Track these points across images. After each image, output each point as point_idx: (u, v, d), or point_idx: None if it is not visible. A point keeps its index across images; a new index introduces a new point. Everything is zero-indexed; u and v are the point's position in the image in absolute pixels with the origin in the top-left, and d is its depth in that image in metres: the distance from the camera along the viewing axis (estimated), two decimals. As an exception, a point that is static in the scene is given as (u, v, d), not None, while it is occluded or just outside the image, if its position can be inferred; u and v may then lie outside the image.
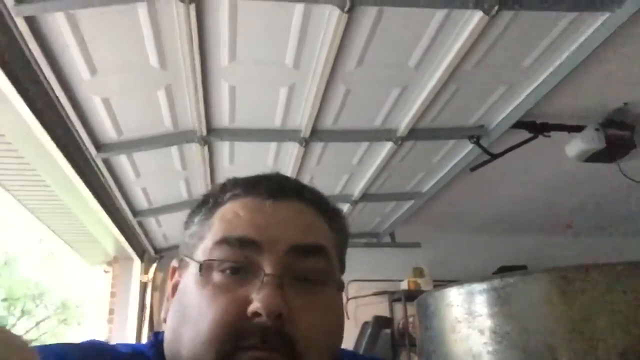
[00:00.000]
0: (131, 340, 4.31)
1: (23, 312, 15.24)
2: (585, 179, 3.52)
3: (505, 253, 4.61)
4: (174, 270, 0.67)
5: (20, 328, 15.28)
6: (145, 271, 4.44)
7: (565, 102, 2.50)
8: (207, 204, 0.66)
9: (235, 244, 0.58)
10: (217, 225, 0.61)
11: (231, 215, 0.61)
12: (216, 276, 0.58)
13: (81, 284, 14.56)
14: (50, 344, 0.55)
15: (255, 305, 0.54)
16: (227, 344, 0.54)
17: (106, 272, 4.98)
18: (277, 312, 0.54)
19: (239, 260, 0.58)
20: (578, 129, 2.71)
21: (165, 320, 0.64)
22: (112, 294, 4.77)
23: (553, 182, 3.62)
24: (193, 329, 0.56)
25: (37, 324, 15.51)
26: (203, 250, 0.60)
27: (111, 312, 4.68)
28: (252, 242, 0.58)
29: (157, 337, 0.65)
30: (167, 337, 0.61)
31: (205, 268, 0.58)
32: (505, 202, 4.08)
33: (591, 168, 3.07)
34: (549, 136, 2.66)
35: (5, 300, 14.83)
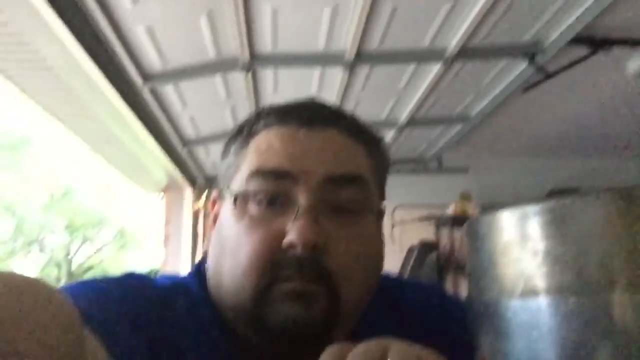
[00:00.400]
0: (186, 264, 4.53)
1: (84, 239, 16.20)
2: (647, 97, 3.33)
3: (555, 177, 4.50)
4: (214, 201, 0.67)
5: (83, 254, 16.30)
6: (197, 199, 4.58)
7: (628, 13, 2.32)
8: (242, 133, 0.64)
9: (270, 175, 0.57)
10: (252, 156, 0.60)
11: (265, 145, 0.59)
12: (252, 208, 0.57)
13: (137, 211, 15.27)
14: (87, 280, 0.56)
15: (290, 237, 0.54)
16: (264, 276, 0.54)
17: (160, 199, 5.17)
18: (311, 244, 0.53)
19: (274, 192, 0.57)
20: (642, 43, 2.53)
21: (207, 251, 0.64)
22: (167, 221, 4.97)
23: (610, 101, 3.45)
24: (232, 261, 0.57)
25: (98, 250, 16.51)
26: (239, 181, 0.60)
27: (166, 238, 4.91)
28: (286, 173, 0.57)
29: (199, 268, 0.65)
30: (210, 267, 0.62)
31: (240, 200, 0.58)
32: (558, 123, 3.93)
33: (654, 86, 2.90)
34: (610, 51, 2.50)
35: (67, 228, 15.75)
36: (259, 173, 0.58)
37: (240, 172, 0.60)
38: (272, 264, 0.55)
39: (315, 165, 0.57)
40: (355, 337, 0.45)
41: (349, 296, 0.56)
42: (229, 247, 0.58)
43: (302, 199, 0.56)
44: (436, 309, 0.71)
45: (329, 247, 0.55)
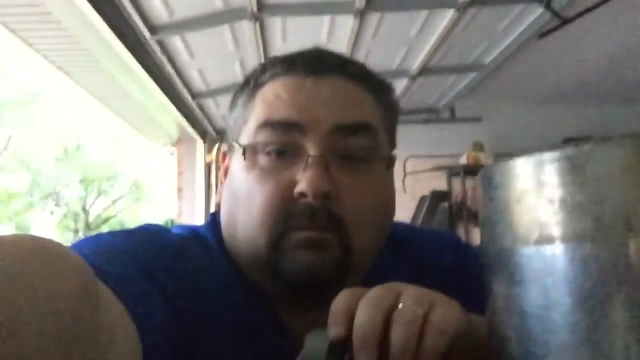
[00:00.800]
0: (200, 215, 4.59)
1: (99, 192, 16.42)
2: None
3: (568, 125, 4.43)
4: (224, 154, 0.67)
5: (99, 206, 16.56)
6: (209, 151, 4.60)
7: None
8: (249, 85, 0.63)
9: (278, 126, 0.57)
10: (259, 108, 0.60)
11: (272, 96, 0.59)
12: (262, 159, 0.58)
13: (150, 164, 15.39)
14: (100, 235, 0.55)
15: (301, 186, 0.54)
16: (278, 225, 0.55)
17: (172, 153, 5.20)
18: (322, 192, 0.54)
19: (283, 143, 0.57)
20: (664, -15, 2.44)
21: (219, 204, 0.65)
22: (180, 174, 5.01)
23: (627, 48, 3.35)
24: (244, 213, 0.57)
25: (114, 202, 16.74)
26: (247, 133, 0.60)
27: (180, 190, 4.96)
28: (294, 124, 0.57)
29: (214, 218, 0.66)
30: (223, 219, 0.62)
31: (249, 152, 0.58)
32: (574, 70, 3.84)
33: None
34: (629, -5, 2.42)
35: (82, 182, 15.95)
36: (267, 124, 0.58)
37: (248, 124, 0.60)
38: (285, 212, 0.55)
39: (323, 114, 0.57)
40: (367, 284, 0.47)
41: (360, 243, 0.56)
42: (241, 199, 0.58)
43: (311, 148, 0.56)
44: (449, 256, 0.71)
45: (339, 195, 0.55)
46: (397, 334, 0.40)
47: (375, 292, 0.43)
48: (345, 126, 0.57)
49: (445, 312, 0.42)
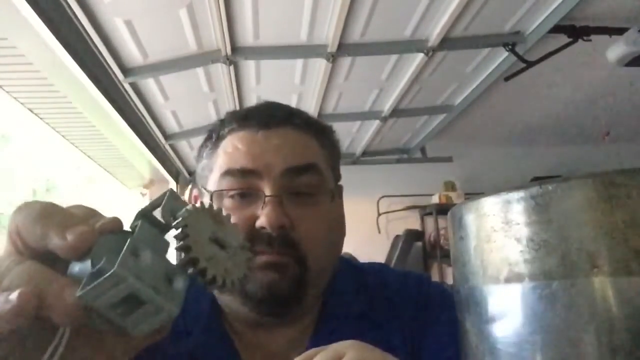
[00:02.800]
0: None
1: (69, 235, 16.03)
2: (625, 84, 3.37)
3: (538, 165, 4.55)
4: (196, 197, 0.77)
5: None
6: (181, 192, 4.56)
7: (607, 2, 2.35)
8: (211, 138, 0.74)
9: (237, 174, 0.67)
10: (221, 158, 0.70)
11: (231, 148, 0.69)
12: (226, 202, 0.67)
13: (121, 207, 15.16)
14: None
15: (261, 221, 0.64)
16: None
17: (143, 194, 5.13)
18: (279, 224, 0.63)
19: (243, 187, 0.67)
20: (620, 31, 2.56)
21: None
22: (151, 216, 4.93)
23: (591, 89, 3.49)
24: None
25: (84, 245, 16.36)
26: (213, 180, 0.70)
27: (151, 232, 4.87)
28: (251, 171, 0.66)
29: None
30: None
31: (216, 197, 0.68)
32: (539, 112, 3.97)
33: (632, 73, 2.94)
34: (589, 40, 2.52)
35: (51, 224, 15.56)
36: (228, 173, 0.68)
37: (213, 172, 0.70)
38: (248, 240, 0.60)
39: (274, 160, 0.67)
40: (325, 307, 0.67)
41: (314, 261, 0.66)
42: None
43: (267, 190, 0.65)
44: (411, 287, 0.76)
45: (294, 225, 0.65)
46: None
47: (313, 352, 0.43)
48: (294, 168, 0.67)
49: None
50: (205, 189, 0.71)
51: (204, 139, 0.76)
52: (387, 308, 0.72)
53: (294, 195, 0.67)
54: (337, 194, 0.74)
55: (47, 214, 0.38)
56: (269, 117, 0.71)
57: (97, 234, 0.37)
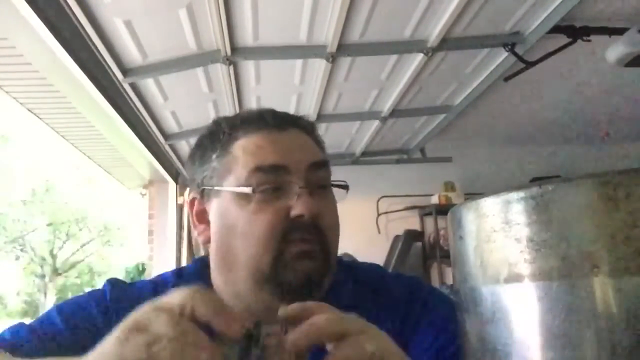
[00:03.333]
0: (172, 258, 4.50)
1: (68, 236, 16.03)
2: (625, 85, 3.38)
3: (537, 165, 4.55)
4: (194, 200, 0.80)
5: (67, 250, 16.13)
6: (181, 193, 4.55)
7: (606, 3, 2.35)
8: (220, 141, 0.77)
9: (269, 170, 0.72)
10: (244, 157, 0.73)
11: (254, 147, 0.74)
12: (258, 196, 0.71)
13: (121, 207, 15.13)
14: (67, 301, 0.75)
15: (298, 209, 0.70)
16: (279, 241, 0.70)
17: (143, 195, 5.13)
18: (316, 213, 0.70)
19: (275, 182, 0.72)
20: (620, 31, 2.56)
21: (204, 243, 0.78)
22: (151, 216, 4.94)
23: (590, 89, 3.49)
24: (247, 237, 0.71)
25: (82, 246, 16.34)
26: (236, 179, 0.73)
27: (150, 233, 4.87)
28: (282, 167, 0.72)
29: (202, 261, 0.82)
30: (218, 254, 0.75)
31: (242, 194, 0.72)
32: (539, 112, 3.97)
33: (632, 73, 2.94)
34: (589, 40, 2.52)
35: (50, 225, 15.56)
36: (258, 169, 0.72)
37: (235, 171, 0.73)
38: (284, 230, 0.70)
39: (300, 156, 0.74)
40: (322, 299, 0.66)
41: (333, 250, 0.74)
42: (240, 229, 0.72)
43: (299, 182, 0.72)
44: (402, 296, 0.78)
45: (321, 214, 0.72)
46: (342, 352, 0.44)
47: (349, 316, 0.48)
48: (316, 163, 0.75)
49: None
50: (222, 187, 0.74)
51: (205, 143, 0.80)
52: (378, 307, 0.75)
53: (317, 187, 0.74)
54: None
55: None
56: (281, 119, 0.77)
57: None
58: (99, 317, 0.71)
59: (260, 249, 0.70)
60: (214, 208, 0.76)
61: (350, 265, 0.84)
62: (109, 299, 0.74)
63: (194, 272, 0.81)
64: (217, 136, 0.78)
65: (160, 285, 0.77)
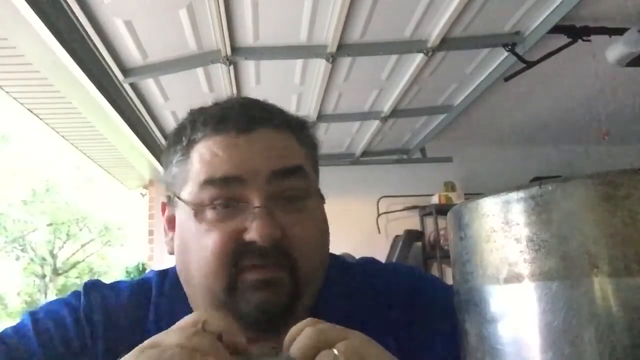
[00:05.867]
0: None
1: (68, 236, 16.03)
2: (625, 85, 3.37)
3: (538, 165, 4.55)
4: (164, 205, 0.72)
5: (67, 250, 16.13)
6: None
7: (606, 3, 2.35)
8: (181, 142, 0.67)
9: (219, 183, 0.61)
10: (198, 167, 0.64)
11: (209, 155, 0.63)
12: (209, 213, 0.62)
13: (121, 207, 15.13)
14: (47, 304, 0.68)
15: (251, 235, 0.59)
16: (231, 268, 0.60)
17: (143, 195, 5.13)
18: (271, 238, 0.59)
19: (227, 197, 0.62)
20: (620, 31, 2.56)
21: (169, 253, 0.70)
22: (151, 216, 4.93)
23: (590, 89, 3.48)
24: (198, 262, 0.62)
25: (83, 246, 16.34)
26: (189, 191, 0.64)
27: (151, 233, 4.87)
28: (234, 178, 0.61)
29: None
30: (178, 268, 0.68)
31: (196, 207, 0.63)
32: (539, 112, 3.97)
33: (632, 73, 2.94)
34: (589, 40, 2.52)
35: (50, 225, 15.56)
36: (209, 182, 0.62)
37: (189, 182, 0.64)
38: (236, 255, 0.60)
39: (259, 165, 0.62)
40: (315, 313, 0.56)
41: (307, 272, 0.62)
42: (192, 249, 0.63)
43: (255, 199, 0.61)
44: (402, 288, 0.73)
45: (286, 234, 0.60)
46: None
47: (324, 327, 0.46)
48: (280, 171, 0.62)
49: None
50: (179, 198, 0.65)
51: (171, 142, 0.70)
52: (374, 307, 0.70)
53: (283, 200, 0.62)
54: (321, 194, 0.70)
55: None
56: (248, 118, 0.65)
57: None
58: (72, 328, 0.65)
59: (210, 275, 0.61)
60: (177, 217, 0.68)
61: (344, 265, 0.76)
62: (82, 308, 0.67)
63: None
64: (179, 136, 0.68)
65: (142, 286, 0.71)
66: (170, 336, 0.43)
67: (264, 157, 0.63)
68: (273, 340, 0.58)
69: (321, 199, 0.69)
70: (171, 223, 0.69)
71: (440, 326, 0.65)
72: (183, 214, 0.65)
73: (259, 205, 0.60)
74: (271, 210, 0.61)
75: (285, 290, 0.60)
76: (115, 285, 0.72)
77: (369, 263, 0.79)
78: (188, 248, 0.64)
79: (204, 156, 0.64)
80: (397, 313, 0.69)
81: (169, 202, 0.70)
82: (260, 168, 0.62)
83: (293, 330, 0.47)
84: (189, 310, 0.65)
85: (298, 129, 0.69)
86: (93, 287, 0.70)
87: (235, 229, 0.60)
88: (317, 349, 0.44)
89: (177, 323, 0.46)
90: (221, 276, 0.60)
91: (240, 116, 0.66)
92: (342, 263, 0.77)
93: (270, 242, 0.59)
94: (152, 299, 0.69)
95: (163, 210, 0.72)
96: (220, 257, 0.60)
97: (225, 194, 0.62)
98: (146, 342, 0.44)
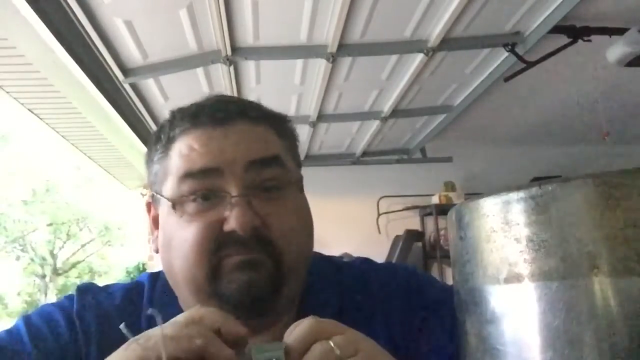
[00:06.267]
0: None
1: (68, 236, 16.03)
2: (625, 85, 3.37)
3: (538, 165, 4.55)
4: (149, 205, 0.73)
5: (67, 250, 16.13)
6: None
7: (607, 2, 2.35)
8: (161, 140, 0.69)
9: (198, 175, 0.63)
10: (177, 161, 0.65)
11: (186, 149, 0.65)
12: (189, 206, 0.63)
13: (121, 207, 15.13)
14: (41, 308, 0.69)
15: (230, 225, 0.61)
16: (212, 257, 0.61)
17: (143, 195, 5.13)
18: (250, 226, 0.60)
19: (205, 189, 0.63)
20: (620, 31, 2.56)
21: (156, 252, 0.70)
22: (151, 216, 4.93)
23: (590, 89, 3.48)
24: (180, 255, 0.63)
25: (83, 246, 16.34)
26: (170, 186, 0.65)
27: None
28: (211, 169, 0.63)
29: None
30: (163, 264, 0.68)
31: (177, 202, 0.64)
32: (539, 112, 3.97)
33: (632, 73, 2.94)
34: (589, 40, 2.52)
35: (50, 225, 15.56)
36: (188, 175, 0.63)
37: (169, 177, 0.66)
38: (217, 244, 0.62)
39: (235, 155, 0.63)
40: (302, 307, 0.63)
41: (291, 259, 0.63)
42: (175, 243, 0.64)
43: (232, 189, 0.62)
44: (400, 286, 0.73)
45: (265, 222, 0.62)
46: None
47: (319, 322, 0.48)
48: (257, 161, 0.64)
49: None
50: (161, 195, 0.67)
51: (152, 142, 0.72)
52: (368, 303, 0.71)
53: (261, 189, 0.64)
54: (301, 183, 0.71)
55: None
56: (223, 112, 0.67)
57: None
58: (65, 331, 0.65)
59: (193, 265, 0.62)
60: (160, 214, 0.69)
61: (331, 262, 0.77)
62: (75, 310, 0.67)
63: None
64: (159, 135, 0.70)
65: (135, 289, 0.72)
66: (162, 329, 0.44)
67: (240, 147, 0.64)
68: (259, 326, 0.63)
69: (301, 188, 0.71)
70: (156, 222, 0.70)
71: (435, 324, 0.66)
72: (165, 209, 0.66)
73: (237, 195, 0.61)
74: (249, 199, 0.62)
75: (268, 271, 0.61)
76: (108, 288, 0.73)
77: (362, 262, 0.79)
78: (171, 242, 0.65)
79: (182, 151, 0.65)
80: (391, 311, 0.70)
81: (153, 201, 0.71)
82: (237, 158, 0.63)
83: (294, 324, 0.48)
84: (180, 312, 0.66)
85: (276, 122, 0.71)
86: (86, 290, 0.71)
87: (215, 219, 0.62)
88: (313, 339, 0.45)
89: (170, 320, 0.47)
90: (203, 265, 0.61)
91: (216, 110, 0.67)
92: (336, 261, 0.78)
93: (249, 231, 0.60)
94: (144, 302, 0.70)
95: (149, 210, 0.73)
96: (202, 247, 0.61)
97: (204, 186, 0.63)
98: (135, 338, 0.45)
